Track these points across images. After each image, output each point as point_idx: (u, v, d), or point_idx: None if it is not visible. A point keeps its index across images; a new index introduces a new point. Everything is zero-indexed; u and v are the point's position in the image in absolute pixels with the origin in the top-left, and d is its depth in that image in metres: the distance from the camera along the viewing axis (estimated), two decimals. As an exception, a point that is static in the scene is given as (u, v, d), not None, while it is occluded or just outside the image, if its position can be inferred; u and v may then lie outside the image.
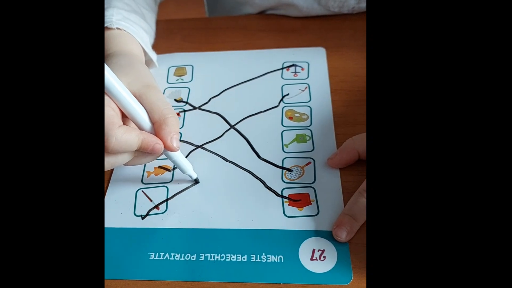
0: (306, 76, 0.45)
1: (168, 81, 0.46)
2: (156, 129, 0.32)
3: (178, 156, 0.34)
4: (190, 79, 0.46)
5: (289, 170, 0.37)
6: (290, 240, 0.33)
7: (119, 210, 0.36)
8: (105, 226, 0.35)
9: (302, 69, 0.46)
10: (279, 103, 0.43)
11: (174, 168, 0.38)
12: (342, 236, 0.32)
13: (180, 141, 0.40)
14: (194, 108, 0.43)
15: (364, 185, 0.33)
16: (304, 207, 0.35)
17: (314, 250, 0.32)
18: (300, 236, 0.33)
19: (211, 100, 0.44)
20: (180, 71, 0.47)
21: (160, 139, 0.32)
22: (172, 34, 0.52)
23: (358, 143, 0.36)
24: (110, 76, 0.30)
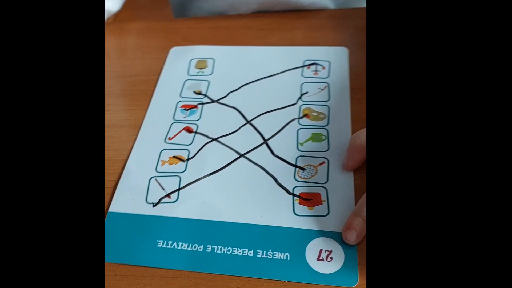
0: (327, 75, 0.44)
1: (189, 73, 0.47)
2: None
3: None
4: (211, 72, 0.47)
5: (302, 168, 0.37)
6: (298, 239, 0.32)
7: (132, 196, 0.36)
8: (117, 211, 0.35)
9: (323, 68, 0.45)
10: (297, 101, 0.42)
11: (188, 159, 0.39)
12: (352, 238, 0.31)
13: (196, 133, 0.41)
14: (212, 101, 0.44)
15: None
16: (314, 207, 0.34)
17: (321, 250, 0.32)
18: (308, 235, 0.33)
19: (230, 94, 0.44)
20: (201, 64, 0.48)
21: None
22: (191, 31, 0.53)
23: (364, 138, 0.35)
24: None
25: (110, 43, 0.52)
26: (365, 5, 0.54)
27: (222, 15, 0.55)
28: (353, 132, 0.39)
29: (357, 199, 0.34)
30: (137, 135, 0.41)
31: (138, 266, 0.32)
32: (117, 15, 0.55)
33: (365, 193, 0.33)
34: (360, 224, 0.31)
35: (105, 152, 0.40)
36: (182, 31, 0.52)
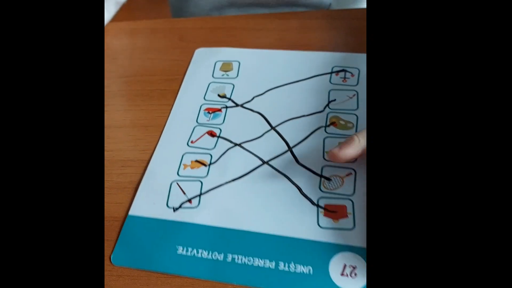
0: (356, 83, 0.43)
1: (214, 75, 0.46)
2: None
3: None
4: (236, 75, 0.46)
5: (328, 179, 0.36)
6: (321, 252, 0.31)
7: (152, 200, 0.36)
8: (137, 214, 0.35)
9: (352, 75, 0.44)
10: (325, 108, 0.41)
11: (210, 164, 0.38)
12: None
13: (219, 137, 0.40)
14: (237, 105, 0.43)
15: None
16: (339, 219, 0.33)
17: (345, 265, 0.30)
18: (333, 249, 0.31)
19: (254, 98, 0.43)
20: (226, 67, 0.47)
21: None
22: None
23: (364, 139, 0.33)
24: None
25: (107, 43, 0.52)
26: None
27: (221, 16, 0.55)
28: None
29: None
30: (159, 136, 0.40)
31: (156, 272, 0.31)
32: (115, 16, 0.55)
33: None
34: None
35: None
36: (180, 31, 0.52)
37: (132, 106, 0.44)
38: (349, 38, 0.48)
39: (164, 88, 0.45)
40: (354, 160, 0.35)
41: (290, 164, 0.37)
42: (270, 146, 0.39)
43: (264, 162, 0.37)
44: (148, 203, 0.35)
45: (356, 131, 0.39)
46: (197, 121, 0.42)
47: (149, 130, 0.41)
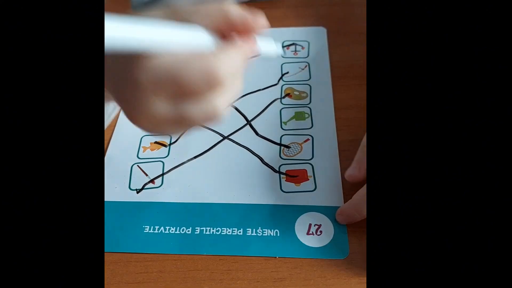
0: (306, 55, 0.44)
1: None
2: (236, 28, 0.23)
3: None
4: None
5: (287, 146, 0.37)
6: (286, 215, 0.32)
7: (114, 184, 0.35)
8: (100, 199, 0.34)
9: (303, 48, 0.45)
10: (279, 81, 0.42)
11: (170, 144, 0.38)
12: (343, 222, 0.31)
13: (177, 117, 0.40)
14: (192, 85, 0.43)
15: None
16: (301, 183, 0.34)
17: (310, 224, 0.32)
18: (297, 211, 0.32)
19: (210, 78, 0.43)
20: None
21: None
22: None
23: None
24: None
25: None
26: None
27: None
28: (335, 108, 0.39)
29: (342, 174, 0.34)
30: (115, 124, 0.40)
31: (126, 253, 0.31)
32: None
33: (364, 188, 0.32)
34: (352, 215, 0.31)
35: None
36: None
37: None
38: (299, 12, 0.49)
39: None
40: None
41: (250, 136, 0.38)
42: (230, 121, 0.39)
43: (224, 137, 0.38)
44: (110, 188, 0.35)
45: (310, 100, 0.40)
46: (153, 103, 0.41)
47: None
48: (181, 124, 0.21)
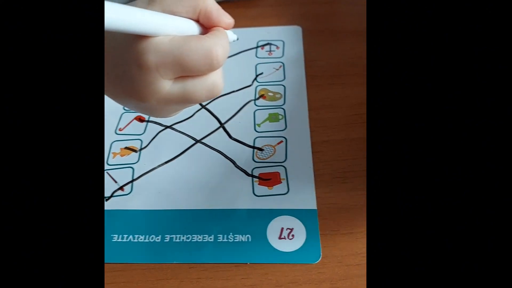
0: (281, 55, 0.44)
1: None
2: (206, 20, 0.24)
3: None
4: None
5: (260, 149, 0.36)
6: (258, 219, 0.32)
7: (83, 192, 0.34)
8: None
9: (277, 47, 0.44)
10: (253, 82, 0.41)
11: (141, 149, 0.37)
12: None
13: (149, 121, 0.39)
14: (165, 88, 0.42)
15: None
16: (274, 186, 0.33)
17: (282, 228, 0.31)
18: (269, 215, 0.32)
19: (183, 80, 0.42)
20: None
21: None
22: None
23: None
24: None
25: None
26: None
27: None
28: (309, 108, 0.38)
29: (316, 176, 0.33)
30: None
31: (92, 263, 0.30)
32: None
33: None
34: None
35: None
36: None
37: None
38: (275, 11, 0.49)
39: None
40: None
41: (223, 140, 0.37)
42: (202, 124, 0.38)
43: (197, 141, 0.37)
44: (78, 196, 0.34)
45: (284, 101, 0.39)
46: (124, 108, 0.40)
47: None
48: (186, 101, 0.23)
